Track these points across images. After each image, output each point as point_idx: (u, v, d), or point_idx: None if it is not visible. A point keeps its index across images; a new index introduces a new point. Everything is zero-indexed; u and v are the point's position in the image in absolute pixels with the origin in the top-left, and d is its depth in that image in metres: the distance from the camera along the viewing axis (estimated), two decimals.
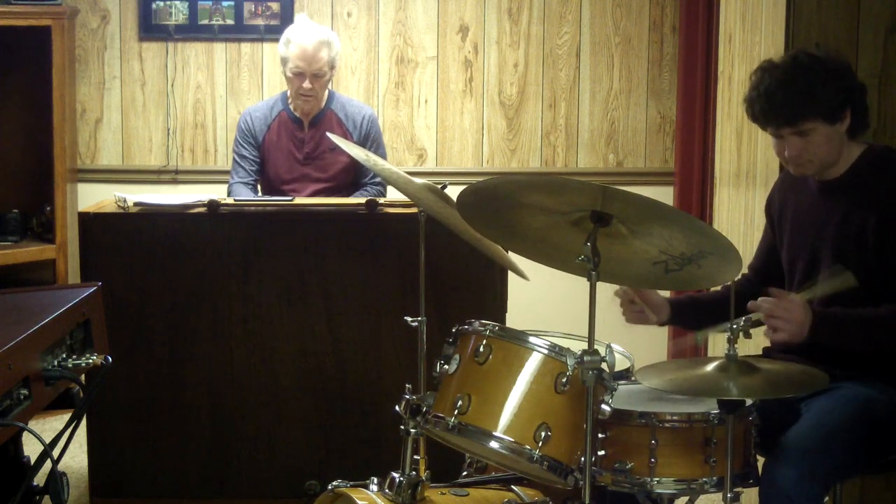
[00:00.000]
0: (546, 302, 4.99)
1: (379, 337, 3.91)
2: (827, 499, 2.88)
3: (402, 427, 2.86)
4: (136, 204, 3.94)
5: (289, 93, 4.68)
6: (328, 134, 3.72)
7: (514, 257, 3.14)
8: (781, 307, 2.78)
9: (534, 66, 5.37)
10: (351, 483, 2.87)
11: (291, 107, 4.67)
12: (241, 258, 3.89)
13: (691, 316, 3.24)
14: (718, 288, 3.22)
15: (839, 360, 2.90)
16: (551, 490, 2.90)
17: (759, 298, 2.79)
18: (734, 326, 2.64)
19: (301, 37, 4.54)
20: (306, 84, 4.53)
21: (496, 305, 3.89)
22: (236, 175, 4.67)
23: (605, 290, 2.97)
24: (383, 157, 4.72)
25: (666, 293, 3.25)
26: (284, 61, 4.58)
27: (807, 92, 2.86)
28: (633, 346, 3.21)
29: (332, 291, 3.90)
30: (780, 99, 2.87)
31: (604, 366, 2.58)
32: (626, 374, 2.98)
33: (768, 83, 2.89)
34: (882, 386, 2.92)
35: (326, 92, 4.68)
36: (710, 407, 2.66)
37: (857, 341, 2.87)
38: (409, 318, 3.12)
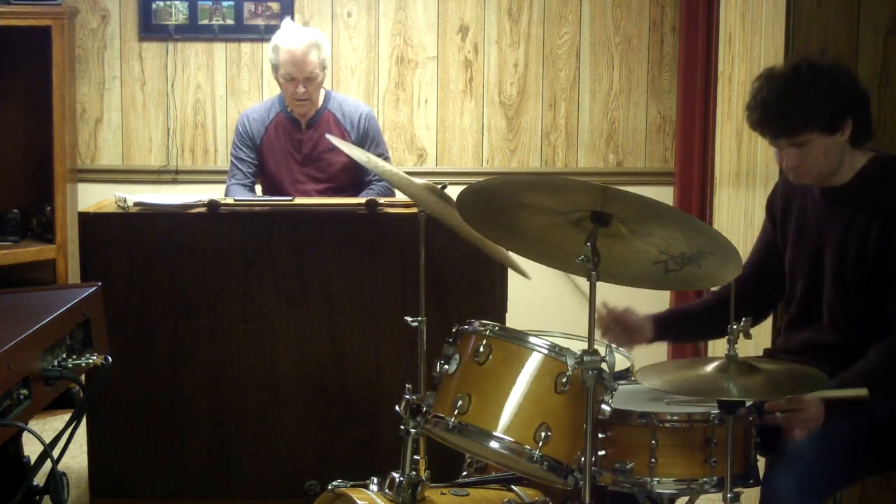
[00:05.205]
0: (546, 302, 4.99)
1: (379, 337, 3.91)
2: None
3: (402, 427, 2.86)
4: (136, 204, 3.94)
5: (284, 96, 4.68)
6: (328, 136, 3.72)
7: (514, 256, 3.14)
8: (798, 414, 2.75)
9: (534, 66, 5.37)
10: (351, 483, 2.87)
11: (289, 108, 4.67)
12: (241, 258, 3.89)
13: (681, 330, 3.23)
14: (707, 296, 3.22)
15: (839, 363, 2.89)
16: (551, 490, 2.90)
17: (777, 409, 2.76)
18: (734, 327, 2.63)
19: (289, 42, 4.52)
20: (300, 89, 4.52)
21: (496, 305, 3.89)
22: (233, 177, 4.67)
23: (606, 291, 2.97)
24: (384, 153, 4.71)
25: (660, 306, 3.23)
26: (275, 68, 4.57)
27: (802, 105, 2.83)
28: None
29: (332, 291, 3.90)
30: (775, 111, 2.84)
31: (604, 366, 2.58)
32: (626, 374, 2.98)
33: (766, 93, 2.86)
34: None
35: (322, 92, 4.68)
36: (711, 407, 2.66)
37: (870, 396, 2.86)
38: (409, 318, 3.12)
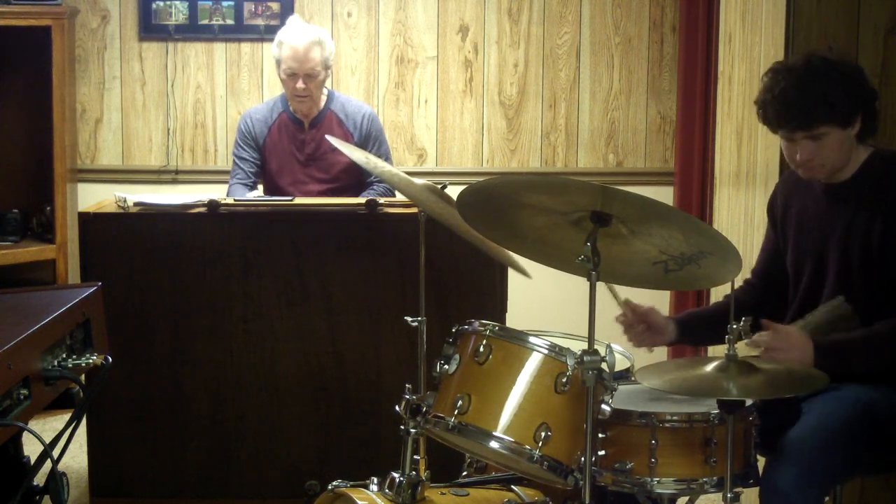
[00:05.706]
0: (546, 302, 4.98)
1: (379, 337, 3.91)
2: (826, 499, 2.88)
3: (402, 427, 2.86)
4: (136, 204, 3.94)
5: (285, 93, 4.68)
6: (328, 137, 3.72)
7: (514, 255, 3.14)
8: (778, 339, 2.78)
9: (534, 66, 5.37)
10: (351, 483, 2.87)
11: (291, 108, 4.67)
12: (241, 258, 3.89)
13: (697, 333, 3.23)
14: (720, 299, 3.22)
15: None
16: (551, 490, 2.90)
17: (756, 334, 2.78)
18: (733, 327, 2.63)
19: (292, 38, 4.53)
20: (300, 84, 4.52)
21: (496, 305, 3.89)
22: (235, 177, 4.67)
23: (607, 291, 2.97)
24: (386, 153, 4.72)
25: (660, 306, 3.23)
26: (278, 63, 4.58)
27: (822, 96, 2.84)
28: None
29: (332, 291, 3.90)
30: (795, 102, 2.84)
31: (604, 366, 2.58)
32: (626, 374, 2.98)
33: (783, 86, 2.86)
34: (882, 387, 2.91)
35: (325, 92, 4.67)
36: (710, 407, 2.66)
37: (862, 363, 2.86)
38: (409, 318, 3.12)
